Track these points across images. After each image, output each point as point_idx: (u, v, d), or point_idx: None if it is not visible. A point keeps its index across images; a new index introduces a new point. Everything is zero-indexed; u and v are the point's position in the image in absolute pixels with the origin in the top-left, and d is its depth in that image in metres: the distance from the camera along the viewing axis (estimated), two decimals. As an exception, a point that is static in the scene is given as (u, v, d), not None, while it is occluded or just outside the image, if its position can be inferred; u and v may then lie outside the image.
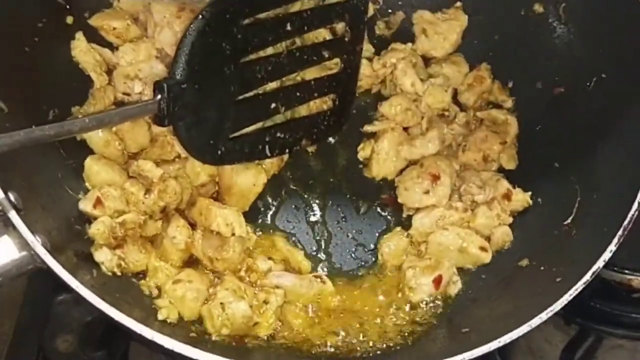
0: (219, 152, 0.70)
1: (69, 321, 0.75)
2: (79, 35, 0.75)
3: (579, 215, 0.71)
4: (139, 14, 0.78)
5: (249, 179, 0.74)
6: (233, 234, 0.70)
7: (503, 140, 0.80)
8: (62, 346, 0.76)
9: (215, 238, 0.69)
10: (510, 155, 0.80)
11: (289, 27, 0.71)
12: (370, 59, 0.84)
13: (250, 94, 0.70)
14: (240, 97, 0.70)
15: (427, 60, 0.86)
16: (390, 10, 0.88)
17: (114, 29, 0.76)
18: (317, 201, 0.79)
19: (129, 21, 0.76)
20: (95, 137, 0.72)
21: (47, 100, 0.69)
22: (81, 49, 0.74)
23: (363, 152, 0.81)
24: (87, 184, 0.72)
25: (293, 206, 0.79)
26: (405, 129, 0.82)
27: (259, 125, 0.73)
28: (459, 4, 0.85)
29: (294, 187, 0.80)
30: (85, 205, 0.68)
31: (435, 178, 0.77)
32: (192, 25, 0.65)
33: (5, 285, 0.59)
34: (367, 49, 0.84)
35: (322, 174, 0.81)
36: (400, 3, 0.88)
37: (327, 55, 0.75)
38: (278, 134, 0.73)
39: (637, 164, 0.68)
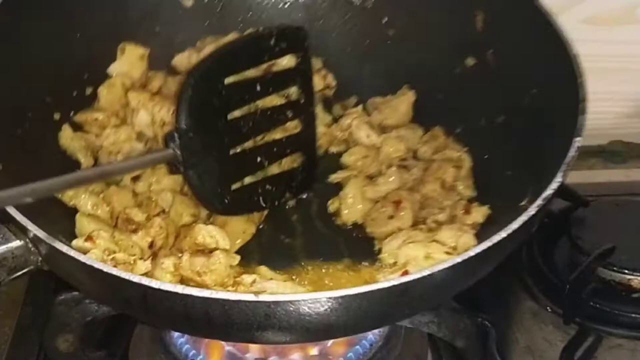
0: (226, 201, 0.80)
1: (69, 321, 0.77)
2: (66, 127, 0.86)
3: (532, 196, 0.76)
4: (118, 111, 0.90)
5: (240, 225, 0.83)
6: (217, 249, 0.74)
7: (456, 165, 0.88)
8: (62, 346, 0.77)
9: (201, 256, 0.74)
10: (467, 185, 0.88)
11: (258, 89, 0.84)
12: (328, 125, 0.96)
13: (239, 148, 0.81)
14: (232, 151, 0.81)
15: (383, 129, 0.97)
16: (345, 94, 1.01)
17: (96, 119, 0.87)
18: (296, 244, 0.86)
19: (109, 113, 0.89)
20: (84, 203, 0.81)
21: (42, 174, 0.77)
22: (67, 137, 0.86)
23: (333, 206, 0.89)
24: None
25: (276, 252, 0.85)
26: (368, 177, 0.91)
27: (252, 178, 0.84)
28: (405, 86, 0.98)
29: (275, 234, 0.87)
30: (77, 242, 0.74)
31: (398, 203, 0.85)
32: (186, 81, 0.78)
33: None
34: (324, 117, 0.96)
35: (300, 223, 0.89)
36: (352, 89, 1.01)
37: (290, 116, 0.86)
38: (267, 187, 0.84)
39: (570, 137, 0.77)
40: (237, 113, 0.80)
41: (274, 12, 0.97)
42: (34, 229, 0.62)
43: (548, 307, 0.93)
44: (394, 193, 0.86)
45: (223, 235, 0.77)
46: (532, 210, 0.67)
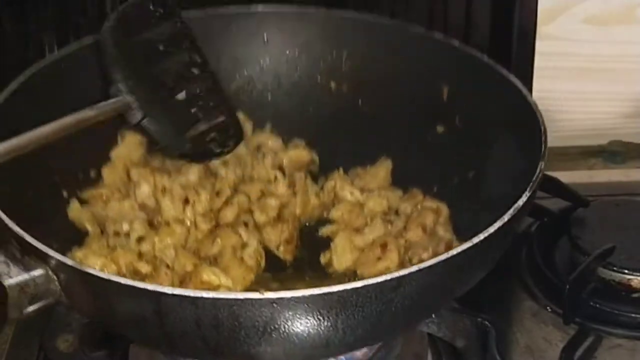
0: (186, 146, 0.91)
1: (69, 321, 0.84)
2: (74, 202, 1.00)
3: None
4: (120, 188, 1.03)
5: (240, 272, 0.93)
6: (219, 286, 0.81)
7: (434, 211, 1.01)
8: (62, 346, 0.82)
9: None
10: (446, 229, 1.00)
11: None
12: (317, 195, 1.08)
13: (175, 97, 0.91)
14: (170, 100, 0.90)
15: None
16: (329, 168, 1.12)
17: (101, 194, 1.01)
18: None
19: (113, 189, 1.02)
20: (93, 263, 0.90)
21: (52, 237, 0.85)
22: (76, 210, 0.99)
23: (324, 258, 1.02)
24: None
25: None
26: (355, 230, 1.04)
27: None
28: (383, 156, 1.11)
29: (272, 284, 0.96)
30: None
31: (384, 247, 0.97)
32: (103, 41, 0.89)
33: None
34: (312, 187, 1.08)
35: (294, 274, 1.00)
36: (335, 163, 1.12)
37: (196, 73, 0.96)
38: (212, 134, 0.94)
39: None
40: (157, 67, 0.92)
41: (258, 100, 1.06)
42: (55, 255, 0.70)
43: (548, 307, 0.99)
44: (380, 239, 0.99)
45: (225, 275, 0.90)
46: (506, 216, 0.76)
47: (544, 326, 0.96)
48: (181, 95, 0.93)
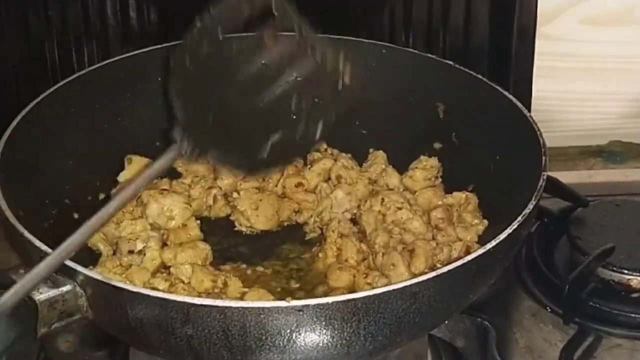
0: (254, 162, 0.88)
1: None
2: None
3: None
4: (132, 210, 1.07)
5: (253, 297, 0.98)
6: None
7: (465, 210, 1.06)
8: (63, 346, 0.83)
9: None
10: (474, 216, 1.03)
11: None
12: None
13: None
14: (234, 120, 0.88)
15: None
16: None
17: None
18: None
19: (123, 210, 1.07)
20: None
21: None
22: None
23: None
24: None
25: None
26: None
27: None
28: None
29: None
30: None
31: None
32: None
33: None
34: None
35: None
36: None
37: None
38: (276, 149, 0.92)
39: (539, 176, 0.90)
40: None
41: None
42: (82, 270, 0.74)
43: (548, 307, 1.03)
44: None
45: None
46: (515, 224, 0.79)
47: (544, 326, 0.98)
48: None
